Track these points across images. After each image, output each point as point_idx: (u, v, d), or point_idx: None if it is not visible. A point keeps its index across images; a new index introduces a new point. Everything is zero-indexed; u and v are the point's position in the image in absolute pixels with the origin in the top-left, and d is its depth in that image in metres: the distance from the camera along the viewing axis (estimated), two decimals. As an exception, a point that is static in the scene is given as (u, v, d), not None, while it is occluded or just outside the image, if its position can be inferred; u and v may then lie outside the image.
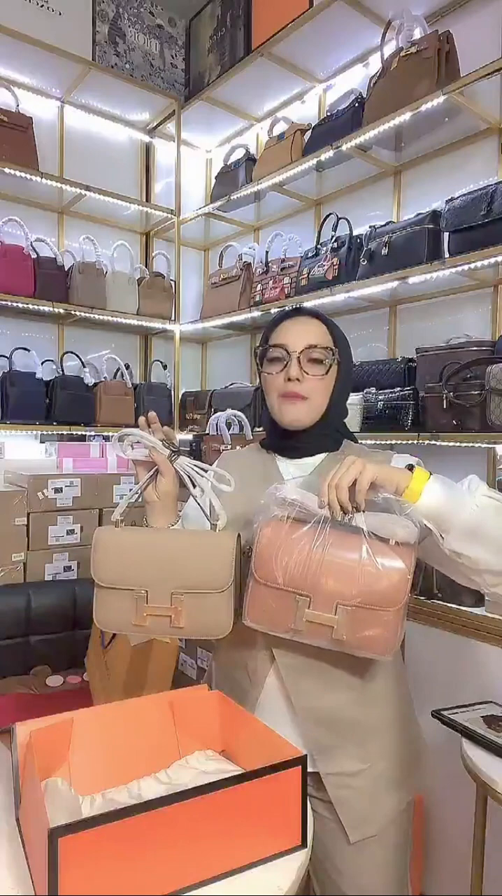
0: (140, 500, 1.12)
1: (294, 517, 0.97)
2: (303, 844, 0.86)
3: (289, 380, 1.09)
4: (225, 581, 1.00)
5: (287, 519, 0.97)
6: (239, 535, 1.04)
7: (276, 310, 2.54)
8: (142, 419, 1.11)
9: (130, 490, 1.14)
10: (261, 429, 2.55)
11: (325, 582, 0.93)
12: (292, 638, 0.98)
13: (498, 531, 0.93)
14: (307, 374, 1.09)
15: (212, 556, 1.01)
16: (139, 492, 1.12)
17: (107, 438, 2.98)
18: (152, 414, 1.11)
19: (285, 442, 1.16)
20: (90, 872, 0.71)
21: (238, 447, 1.26)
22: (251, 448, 1.27)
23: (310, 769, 1.02)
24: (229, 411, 2.54)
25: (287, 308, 1.20)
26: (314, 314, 1.15)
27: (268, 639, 1.06)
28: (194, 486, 1.08)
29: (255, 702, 1.10)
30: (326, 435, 1.15)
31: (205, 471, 1.09)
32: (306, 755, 0.87)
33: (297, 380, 1.09)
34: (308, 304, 2.41)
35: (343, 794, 1.06)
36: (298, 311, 1.17)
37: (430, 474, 0.97)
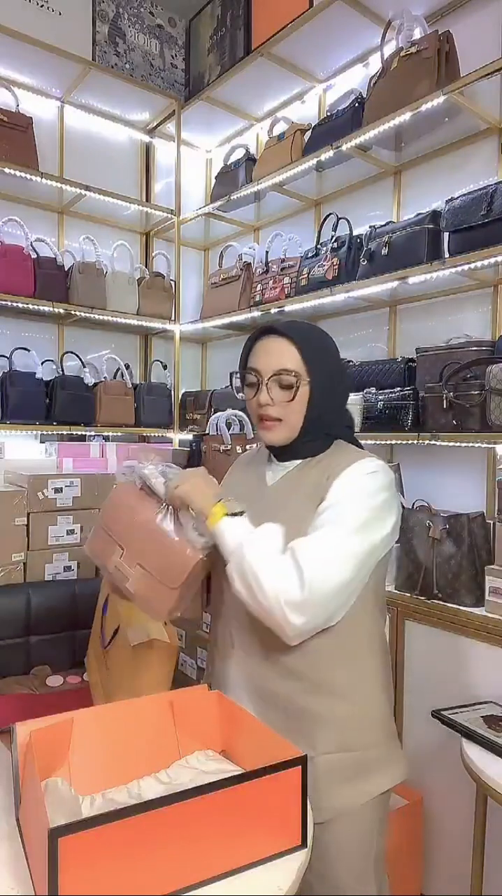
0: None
1: (144, 489, 1.20)
2: (304, 844, 0.86)
3: (261, 405, 1.15)
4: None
5: (140, 488, 1.20)
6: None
7: (276, 310, 2.54)
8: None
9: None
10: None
11: (137, 545, 1.17)
12: (107, 578, 1.22)
13: (243, 586, 1.05)
14: (276, 399, 1.14)
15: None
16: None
17: (107, 438, 2.98)
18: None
19: (274, 449, 1.24)
20: (90, 872, 0.71)
21: (256, 445, 1.35)
22: (260, 449, 1.34)
23: None
24: (229, 411, 2.54)
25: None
26: (285, 333, 1.15)
27: (230, 621, 1.19)
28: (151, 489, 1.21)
29: (224, 680, 1.19)
30: (308, 442, 1.19)
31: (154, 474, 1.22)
32: (306, 755, 0.87)
33: (268, 404, 1.14)
34: (308, 305, 2.42)
35: None
36: (271, 330, 1.17)
37: (241, 513, 1.10)
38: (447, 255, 1.97)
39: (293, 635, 1.03)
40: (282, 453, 1.22)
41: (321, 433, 1.19)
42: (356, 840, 1.13)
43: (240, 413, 2.54)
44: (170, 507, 1.16)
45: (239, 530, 1.08)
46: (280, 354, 1.14)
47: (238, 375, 1.23)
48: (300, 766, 0.86)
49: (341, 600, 1.05)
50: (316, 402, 1.15)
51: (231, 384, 1.25)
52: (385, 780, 1.15)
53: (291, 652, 1.09)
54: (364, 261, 2.18)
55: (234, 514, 1.09)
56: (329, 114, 2.44)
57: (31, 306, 2.59)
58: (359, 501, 1.08)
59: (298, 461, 1.20)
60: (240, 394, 1.24)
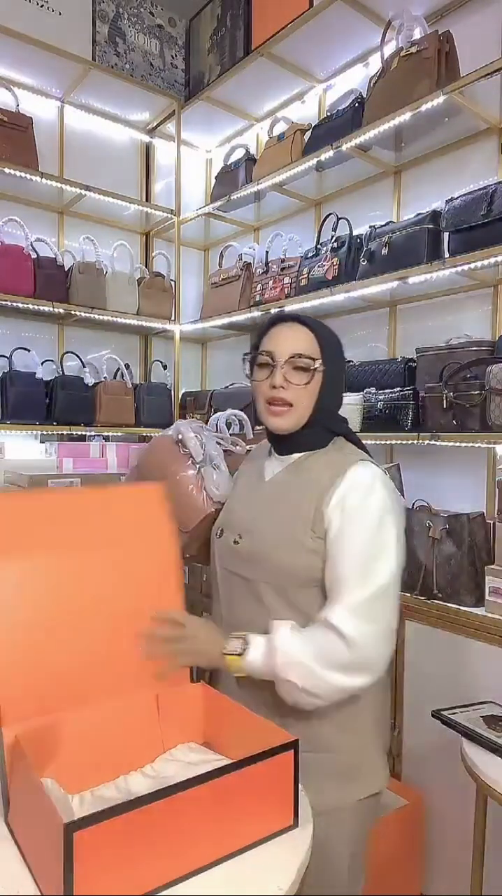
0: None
1: (178, 443, 1.35)
2: (295, 824, 0.89)
3: (274, 387, 1.14)
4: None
5: (176, 443, 1.36)
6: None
7: (276, 310, 2.54)
8: None
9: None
10: (261, 428, 2.55)
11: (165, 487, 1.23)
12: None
13: (310, 702, 1.06)
14: (291, 382, 1.14)
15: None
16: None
17: (107, 438, 2.98)
18: None
19: (274, 440, 1.24)
20: (104, 866, 0.72)
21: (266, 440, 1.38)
22: (264, 442, 1.35)
23: None
24: (229, 411, 2.53)
25: (280, 310, 1.22)
26: (302, 321, 1.17)
27: (222, 616, 1.23)
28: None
29: (220, 684, 1.20)
30: (309, 435, 1.19)
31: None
32: (297, 739, 0.90)
33: (282, 387, 1.14)
34: (308, 305, 2.42)
35: None
36: (287, 318, 1.19)
37: (243, 638, 1.09)
38: (447, 255, 1.97)
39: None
40: (283, 445, 1.22)
41: (324, 426, 1.20)
42: (335, 840, 1.12)
43: (240, 413, 2.53)
44: (196, 464, 1.30)
45: (260, 663, 1.06)
46: (297, 339, 1.15)
47: (249, 358, 1.23)
48: (292, 750, 0.89)
49: (392, 641, 1.08)
50: (326, 390, 1.16)
51: (244, 366, 1.28)
52: (368, 787, 1.15)
53: None
54: (364, 261, 2.18)
55: (244, 650, 1.07)
56: (329, 114, 2.44)
57: (31, 306, 2.59)
58: (367, 539, 1.07)
59: (298, 455, 1.20)
60: (251, 376, 1.24)
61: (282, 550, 1.12)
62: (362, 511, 1.09)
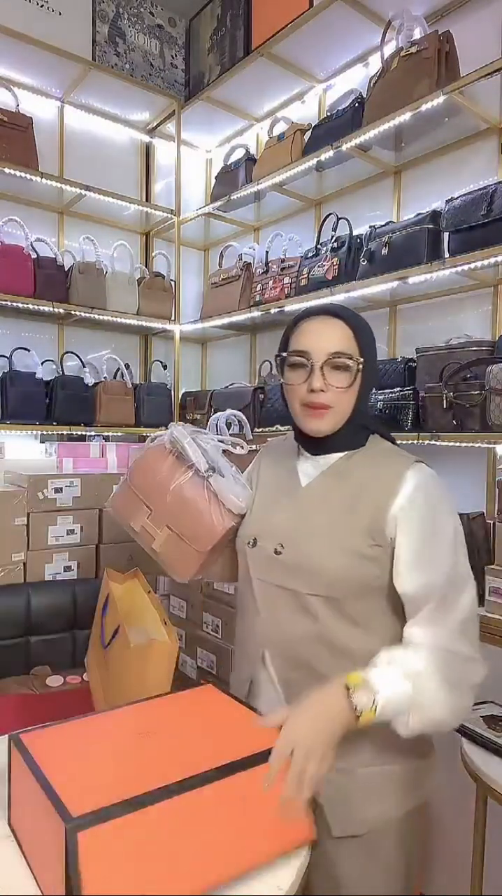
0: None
1: (176, 454, 1.23)
2: (314, 837, 0.87)
3: (313, 390, 1.04)
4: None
5: (170, 452, 1.23)
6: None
7: (276, 310, 2.54)
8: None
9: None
10: (261, 429, 2.55)
11: (167, 507, 1.20)
12: (132, 535, 1.25)
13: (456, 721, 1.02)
14: (331, 384, 1.04)
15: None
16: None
17: (107, 438, 2.98)
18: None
19: (307, 441, 1.14)
20: (110, 866, 0.71)
21: (285, 437, 1.30)
22: (288, 437, 1.24)
23: None
24: (229, 411, 2.54)
25: (303, 306, 1.16)
26: (337, 313, 1.06)
27: (260, 632, 1.12)
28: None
29: (251, 691, 1.14)
30: (347, 434, 1.10)
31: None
32: None
33: (322, 390, 1.03)
34: (307, 305, 2.41)
35: (325, 790, 1.02)
36: (321, 311, 1.07)
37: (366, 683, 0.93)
38: (447, 255, 1.97)
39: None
40: (316, 446, 1.12)
41: (360, 425, 1.11)
42: (394, 854, 1.07)
43: (240, 413, 2.54)
44: (201, 475, 1.19)
45: (398, 700, 0.93)
46: (335, 336, 1.04)
47: (280, 359, 1.11)
48: None
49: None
50: (365, 388, 1.08)
51: (276, 367, 1.20)
52: (416, 795, 1.11)
53: (323, 656, 1.04)
54: (364, 261, 2.18)
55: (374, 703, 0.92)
56: (329, 114, 2.44)
57: (31, 306, 2.59)
58: (451, 549, 1.01)
59: (334, 456, 1.11)
60: (281, 379, 1.14)
61: (335, 560, 1.02)
62: (438, 517, 1.02)
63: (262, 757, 0.82)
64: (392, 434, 1.15)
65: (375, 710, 0.90)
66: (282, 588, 1.07)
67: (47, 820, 0.73)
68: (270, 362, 2.92)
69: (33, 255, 2.59)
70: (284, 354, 1.09)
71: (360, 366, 1.04)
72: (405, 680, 0.93)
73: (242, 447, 1.35)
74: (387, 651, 0.98)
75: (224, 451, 1.28)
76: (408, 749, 1.07)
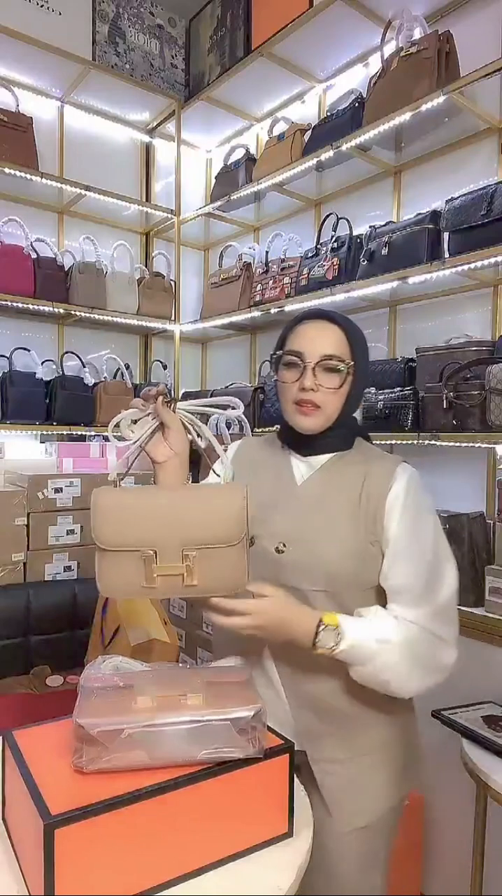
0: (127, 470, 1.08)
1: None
2: (290, 833, 0.87)
3: (304, 389, 1.09)
4: (237, 534, 0.96)
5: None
6: (247, 487, 1.00)
7: (276, 310, 2.54)
8: (136, 401, 1.10)
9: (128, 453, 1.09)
10: (260, 429, 2.55)
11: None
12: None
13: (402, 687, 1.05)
14: (321, 385, 1.09)
15: (221, 509, 0.97)
16: (140, 446, 1.09)
17: (107, 438, 2.98)
18: (136, 400, 1.10)
19: (298, 441, 1.17)
20: (87, 865, 0.71)
21: (263, 437, 1.30)
22: (268, 438, 1.27)
23: (299, 749, 1.07)
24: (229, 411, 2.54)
25: (298, 308, 1.16)
26: (332, 318, 1.12)
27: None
28: (198, 435, 1.11)
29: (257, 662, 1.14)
30: (338, 436, 1.15)
31: (206, 406, 1.13)
32: (292, 743, 0.89)
33: (312, 389, 1.08)
34: (308, 305, 2.41)
35: (329, 781, 1.09)
36: (318, 315, 1.13)
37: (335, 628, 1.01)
38: (447, 255, 1.97)
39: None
40: (305, 446, 1.16)
41: (348, 427, 1.17)
42: (385, 844, 1.14)
43: (240, 413, 2.54)
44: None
45: (353, 659, 1.02)
46: (328, 339, 1.10)
47: (275, 357, 1.17)
48: (287, 755, 0.87)
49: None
50: (355, 391, 1.13)
51: (271, 366, 1.19)
52: (408, 783, 1.16)
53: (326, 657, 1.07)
54: (364, 261, 2.18)
55: (336, 645, 1.01)
56: (329, 114, 2.44)
57: (31, 306, 2.59)
58: (433, 540, 1.08)
59: (325, 456, 1.16)
60: (275, 377, 1.17)
61: (339, 557, 1.07)
62: (422, 513, 1.08)
63: (241, 763, 0.83)
64: (392, 434, 1.18)
65: (332, 650, 1.00)
66: (286, 587, 1.07)
67: (30, 817, 0.73)
68: (270, 362, 2.92)
69: (33, 255, 2.59)
70: (280, 353, 1.14)
71: (350, 369, 1.10)
72: (374, 642, 1.01)
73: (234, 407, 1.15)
74: (376, 610, 1.05)
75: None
76: (397, 740, 1.14)
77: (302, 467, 1.17)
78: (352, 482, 1.10)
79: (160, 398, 1.07)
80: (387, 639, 1.01)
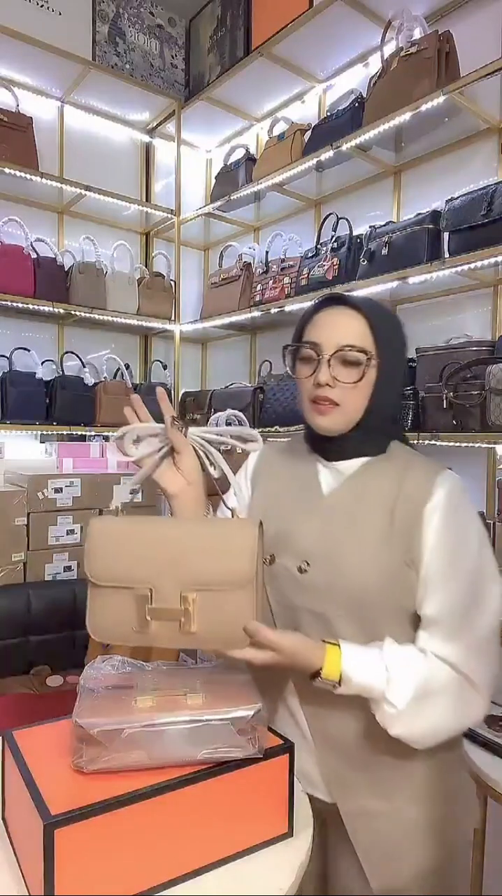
0: (137, 495, 1.02)
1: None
2: (290, 832, 0.87)
3: (319, 384, 0.97)
4: (247, 575, 0.82)
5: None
6: (261, 524, 0.88)
7: (276, 310, 2.54)
8: (127, 409, 0.99)
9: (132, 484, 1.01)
10: (260, 429, 2.54)
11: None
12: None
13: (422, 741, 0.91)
14: (338, 380, 0.96)
15: (230, 545, 0.84)
16: (142, 478, 0.98)
17: (107, 438, 2.98)
18: (135, 397, 1.01)
19: (322, 444, 1.05)
20: (87, 865, 0.71)
21: (289, 440, 1.17)
22: (293, 442, 1.15)
23: (327, 800, 0.99)
24: (229, 411, 2.54)
25: (324, 294, 1.02)
26: (353, 304, 0.98)
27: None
28: (211, 463, 0.98)
29: (272, 720, 1.02)
30: (364, 439, 1.01)
31: (222, 436, 0.99)
32: (292, 744, 0.87)
33: (328, 385, 0.96)
34: (307, 305, 2.40)
35: (363, 837, 0.96)
36: (336, 300, 0.99)
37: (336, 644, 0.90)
38: (447, 255, 1.97)
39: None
40: (331, 450, 1.03)
41: (378, 429, 1.02)
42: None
43: (240, 413, 2.54)
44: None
45: (370, 676, 0.88)
46: (347, 328, 0.96)
47: (289, 350, 1.03)
48: (287, 754, 0.86)
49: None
50: (381, 388, 0.98)
51: (283, 360, 1.05)
52: (462, 835, 1.02)
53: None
54: (364, 261, 2.18)
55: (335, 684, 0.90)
56: (329, 114, 2.43)
57: (31, 306, 2.59)
58: (475, 562, 0.93)
59: (355, 463, 1.02)
60: (292, 372, 1.04)
61: (367, 578, 0.93)
62: (464, 529, 0.95)
63: (241, 763, 0.83)
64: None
65: (334, 687, 0.89)
66: (306, 610, 0.98)
67: (30, 817, 0.73)
68: (270, 362, 2.92)
69: (33, 255, 2.59)
70: (295, 345, 1.02)
71: (372, 361, 0.96)
72: (384, 685, 0.88)
73: (250, 439, 1.01)
74: (392, 648, 0.91)
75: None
76: (443, 788, 0.98)
77: (328, 476, 1.04)
78: (385, 492, 0.97)
79: (171, 420, 0.97)
80: (402, 694, 0.88)
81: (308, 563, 0.98)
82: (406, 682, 0.88)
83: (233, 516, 0.93)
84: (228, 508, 0.97)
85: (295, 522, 1.02)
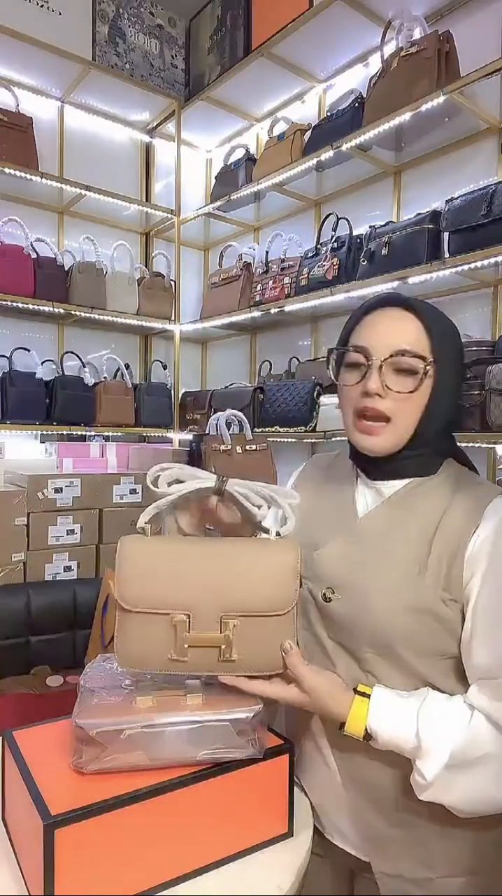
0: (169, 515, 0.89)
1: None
2: (290, 832, 0.87)
3: (368, 394, 0.86)
4: (287, 601, 0.79)
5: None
6: (299, 545, 0.84)
7: (276, 310, 2.54)
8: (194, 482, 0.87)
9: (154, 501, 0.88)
10: (260, 429, 2.54)
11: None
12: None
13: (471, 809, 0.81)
14: (391, 389, 0.85)
15: (271, 569, 0.80)
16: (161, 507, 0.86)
17: (107, 438, 2.98)
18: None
19: (365, 462, 0.94)
20: (87, 865, 0.71)
21: (336, 452, 1.07)
22: (339, 456, 1.05)
23: (359, 857, 0.91)
24: (229, 411, 2.53)
25: (378, 294, 0.93)
26: (411, 306, 0.88)
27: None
28: (256, 506, 0.88)
29: (298, 764, 0.95)
30: (415, 457, 0.90)
31: (264, 497, 0.88)
32: (292, 744, 0.86)
33: (378, 395, 0.85)
34: (308, 305, 2.41)
35: None
36: (389, 301, 0.89)
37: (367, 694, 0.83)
38: (447, 255, 1.97)
39: None
40: (375, 469, 0.93)
41: (431, 445, 0.91)
42: None
43: (240, 413, 2.54)
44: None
45: (399, 738, 0.79)
46: (401, 331, 0.86)
47: (335, 354, 0.92)
48: (287, 755, 0.86)
49: None
50: (437, 400, 0.87)
51: (327, 364, 0.93)
52: None
53: None
54: (364, 261, 2.18)
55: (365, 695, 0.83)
56: (329, 114, 2.44)
57: (31, 306, 2.59)
58: None
59: (399, 483, 0.91)
60: (336, 379, 0.93)
61: (396, 615, 0.84)
62: None
63: (240, 763, 0.83)
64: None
65: (360, 739, 0.83)
66: (337, 644, 0.90)
67: (30, 817, 0.73)
68: (270, 362, 2.92)
69: (33, 255, 2.59)
70: (341, 349, 0.91)
71: (429, 369, 0.85)
72: (414, 752, 0.79)
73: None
74: (431, 705, 0.80)
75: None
76: (494, 852, 0.88)
77: (368, 496, 0.94)
78: (426, 518, 0.87)
79: (216, 501, 0.88)
80: (432, 765, 0.78)
81: (333, 591, 0.90)
82: (438, 750, 0.77)
83: (272, 535, 0.86)
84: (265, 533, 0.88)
85: (323, 544, 0.93)
